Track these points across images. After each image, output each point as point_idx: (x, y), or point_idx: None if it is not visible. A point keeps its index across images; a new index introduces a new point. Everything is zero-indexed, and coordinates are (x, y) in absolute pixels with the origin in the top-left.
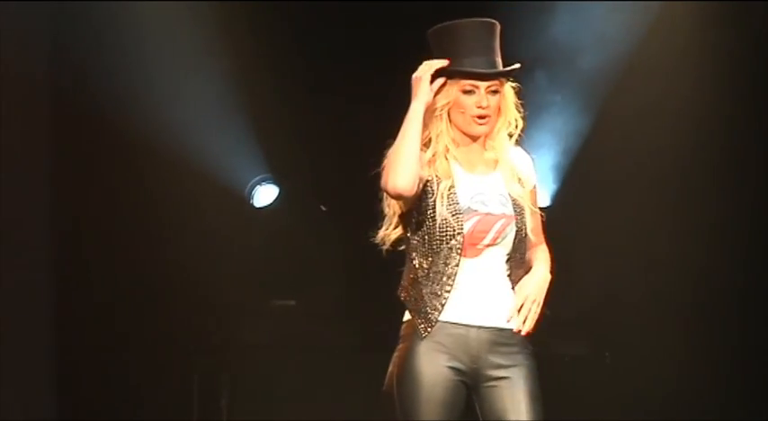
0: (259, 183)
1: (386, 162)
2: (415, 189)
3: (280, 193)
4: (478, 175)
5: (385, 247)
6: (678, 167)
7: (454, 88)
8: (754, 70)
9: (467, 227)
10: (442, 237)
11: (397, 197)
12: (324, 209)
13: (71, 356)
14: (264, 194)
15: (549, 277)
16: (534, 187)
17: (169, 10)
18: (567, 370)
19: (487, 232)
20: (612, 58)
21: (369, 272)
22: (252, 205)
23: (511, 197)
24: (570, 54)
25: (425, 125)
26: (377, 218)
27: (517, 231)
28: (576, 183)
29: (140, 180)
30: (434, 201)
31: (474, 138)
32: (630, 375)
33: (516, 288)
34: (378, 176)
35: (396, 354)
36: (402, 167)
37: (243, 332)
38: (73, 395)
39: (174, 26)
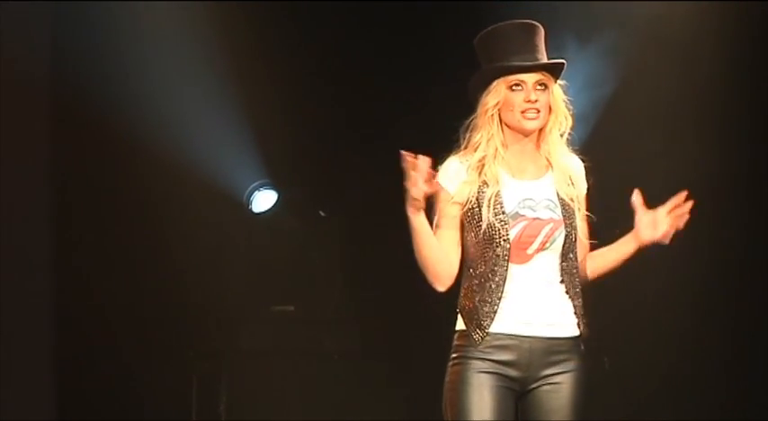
0: (258, 188)
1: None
2: (458, 267)
3: (278, 199)
4: (527, 181)
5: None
6: (678, 170)
7: (502, 86)
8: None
9: (513, 232)
10: (490, 243)
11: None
12: (323, 214)
13: (70, 361)
14: (263, 200)
15: None
16: (584, 192)
17: (169, 13)
18: None
19: (535, 237)
20: (613, 60)
21: (368, 277)
22: (250, 210)
23: (561, 201)
24: (571, 54)
25: (477, 128)
26: (375, 223)
27: (566, 236)
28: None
29: (139, 184)
30: (481, 208)
31: (526, 134)
32: (629, 381)
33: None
34: (378, 178)
35: (449, 365)
36: (430, 274)
37: (241, 337)
38: (71, 400)
39: (174, 29)
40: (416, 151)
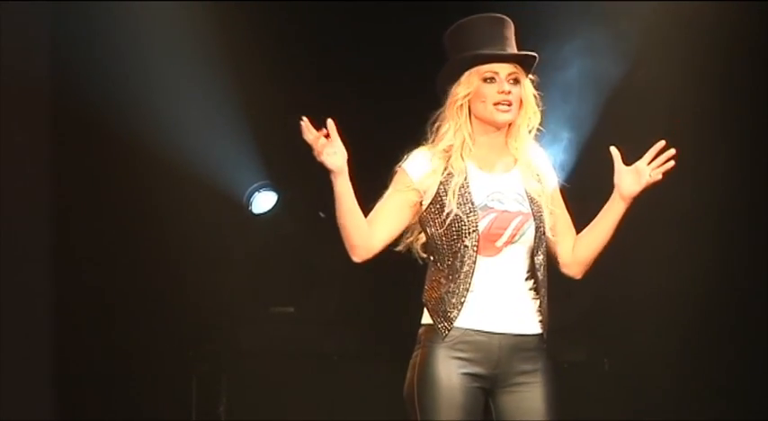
0: (258, 189)
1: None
2: (380, 245)
3: (278, 200)
4: (495, 174)
5: (419, 257)
6: (679, 173)
7: (475, 77)
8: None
9: (483, 224)
10: (458, 234)
11: (364, 260)
12: (322, 215)
13: (70, 362)
14: (263, 201)
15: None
16: (557, 185)
17: (170, 13)
18: (566, 376)
19: (505, 229)
20: (614, 59)
21: (367, 278)
22: (250, 212)
23: (528, 195)
24: (572, 55)
25: (445, 119)
26: None
27: (536, 228)
28: (573, 189)
29: (139, 185)
30: (446, 198)
31: (497, 127)
32: (629, 382)
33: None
34: (378, 179)
35: (414, 359)
36: (346, 242)
37: (241, 338)
38: (71, 400)
39: (175, 30)
40: (417, 146)
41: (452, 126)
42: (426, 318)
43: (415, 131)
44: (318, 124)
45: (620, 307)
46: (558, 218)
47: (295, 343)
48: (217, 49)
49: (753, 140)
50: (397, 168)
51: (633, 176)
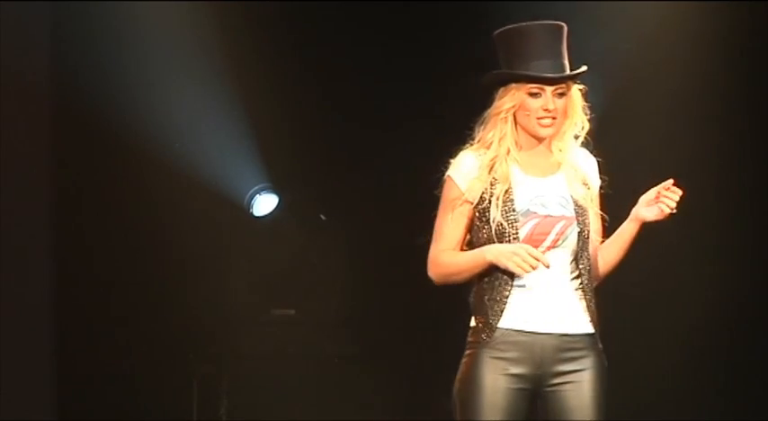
0: (259, 192)
1: (435, 258)
2: None
3: (279, 202)
4: (539, 178)
5: None
6: (678, 170)
7: (521, 91)
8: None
9: (524, 230)
10: (500, 241)
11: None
12: (323, 218)
13: (71, 365)
14: (264, 203)
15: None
16: (599, 190)
17: (171, 16)
18: None
19: (547, 234)
20: (615, 59)
21: (369, 281)
22: (251, 214)
23: (572, 198)
24: (572, 55)
25: (489, 126)
26: (376, 227)
27: (579, 232)
28: None
29: (140, 187)
30: (491, 206)
31: (539, 140)
32: (629, 382)
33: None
34: (379, 182)
35: (462, 362)
36: (445, 281)
37: (242, 341)
38: (72, 403)
39: (176, 33)
40: (416, 154)
41: (497, 134)
42: (472, 321)
43: (416, 132)
44: (318, 123)
45: (621, 306)
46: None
47: (296, 345)
48: (218, 51)
49: (753, 140)
50: (446, 177)
51: (645, 202)
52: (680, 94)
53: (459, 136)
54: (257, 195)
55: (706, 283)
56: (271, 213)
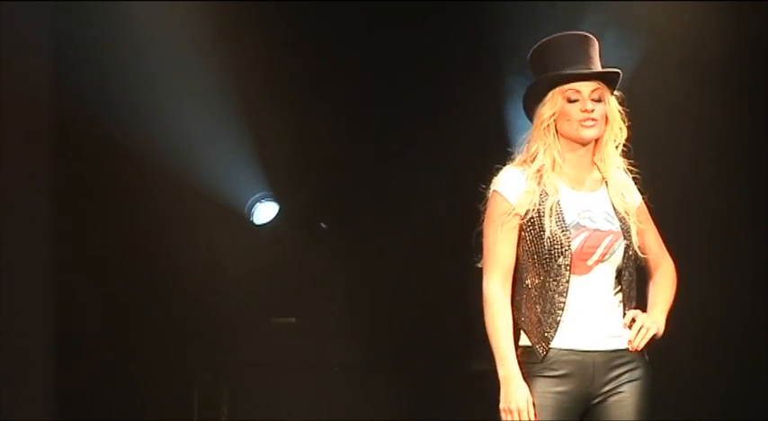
0: (259, 200)
1: (488, 298)
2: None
3: (280, 211)
4: (584, 192)
5: None
6: (680, 175)
7: (558, 97)
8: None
9: (576, 243)
10: (552, 253)
11: None
12: (324, 226)
13: (71, 372)
14: (264, 211)
15: (668, 307)
16: (642, 201)
17: (173, 22)
18: None
19: (596, 248)
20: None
21: (369, 290)
22: (252, 222)
23: (617, 214)
24: None
25: (533, 139)
26: (376, 235)
27: (626, 247)
28: None
29: (140, 196)
30: (542, 218)
31: (584, 144)
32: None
33: (635, 313)
34: (380, 189)
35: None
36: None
37: (243, 349)
38: (72, 411)
39: (177, 35)
40: (418, 163)
41: (541, 146)
42: (524, 340)
43: (417, 140)
44: (319, 123)
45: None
46: (646, 234)
47: (296, 353)
48: (219, 57)
49: (753, 141)
50: (491, 193)
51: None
52: (680, 93)
53: (462, 144)
54: (258, 203)
55: (707, 282)
56: (271, 221)
